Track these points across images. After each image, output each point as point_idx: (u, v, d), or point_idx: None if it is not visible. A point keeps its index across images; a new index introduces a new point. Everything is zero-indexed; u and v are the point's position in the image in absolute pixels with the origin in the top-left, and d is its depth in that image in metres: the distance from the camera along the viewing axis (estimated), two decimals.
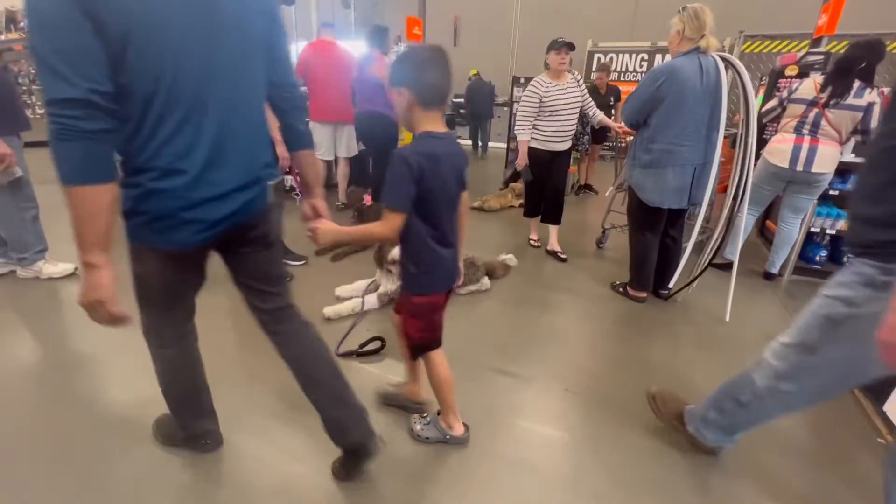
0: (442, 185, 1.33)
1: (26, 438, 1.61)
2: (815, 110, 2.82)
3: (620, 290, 2.95)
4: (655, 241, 2.73)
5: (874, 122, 2.73)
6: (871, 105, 2.72)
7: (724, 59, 2.40)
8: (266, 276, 1.34)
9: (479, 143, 9.23)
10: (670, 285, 2.83)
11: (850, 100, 2.73)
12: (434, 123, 1.33)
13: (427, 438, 1.66)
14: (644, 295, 2.85)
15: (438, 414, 1.68)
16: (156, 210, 1.05)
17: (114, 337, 2.23)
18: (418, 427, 1.68)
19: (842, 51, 2.87)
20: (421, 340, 1.52)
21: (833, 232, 3.14)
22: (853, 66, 2.70)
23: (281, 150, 2.57)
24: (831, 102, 2.77)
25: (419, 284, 1.44)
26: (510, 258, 3.29)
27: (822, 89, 2.80)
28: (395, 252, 2.51)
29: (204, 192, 1.07)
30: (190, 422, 1.52)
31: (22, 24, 7.93)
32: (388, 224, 1.29)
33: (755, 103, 2.45)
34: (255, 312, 1.37)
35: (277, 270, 1.39)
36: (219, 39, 1.03)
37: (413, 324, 1.49)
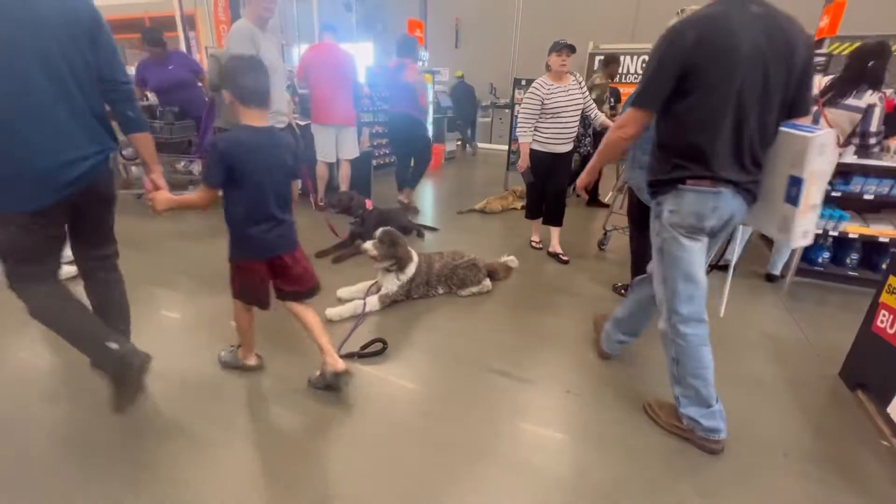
0: (253, 172, 1.59)
1: (46, 436, 1.61)
2: (814, 108, 2.82)
3: (622, 291, 2.94)
4: None
5: (875, 125, 2.71)
6: (871, 107, 2.70)
7: None
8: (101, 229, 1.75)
9: (468, 144, 9.60)
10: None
11: (850, 100, 2.72)
12: (254, 119, 1.62)
13: (225, 362, 2.03)
14: None
15: (240, 347, 2.00)
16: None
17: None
18: (222, 353, 2.06)
19: (846, 52, 2.88)
20: (240, 293, 1.80)
21: (836, 234, 3.13)
22: (864, 63, 2.69)
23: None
24: (827, 100, 2.77)
25: (232, 250, 1.73)
26: (511, 259, 3.29)
27: (829, 87, 2.79)
28: (365, 246, 2.58)
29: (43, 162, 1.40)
30: (101, 348, 1.59)
31: None
32: (201, 195, 1.61)
33: None
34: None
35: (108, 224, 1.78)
36: (31, 37, 1.32)
37: (234, 278, 1.78)
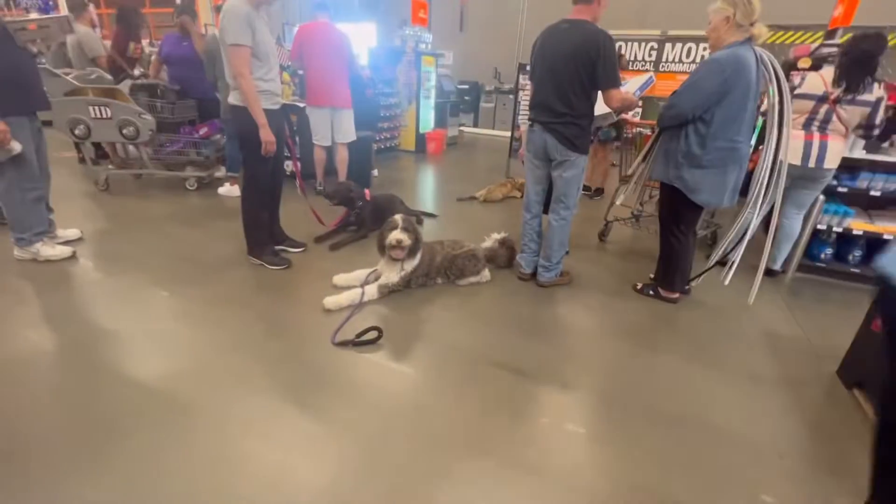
0: None
1: (56, 418, 1.61)
2: (826, 106, 2.78)
3: (651, 292, 2.83)
4: (695, 240, 2.69)
5: (879, 118, 2.72)
6: (879, 100, 2.70)
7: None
8: None
9: None
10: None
11: (863, 95, 2.69)
12: None
13: None
14: (678, 295, 2.78)
15: None
16: None
17: (124, 315, 2.23)
18: None
19: (845, 43, 2.83)
20: None
21: (840, 230, 3.09)
22: (870, 59, 2.64)
23: (265, 133, 2.55)
24: (845, 98, 2.72)
25: None
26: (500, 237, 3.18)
27: (837, 84, 2.73)
28: (395, 235, 2.49)
29: None
30: None
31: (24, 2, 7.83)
32: None
33: (789, 103, 2.39)
34: None
35: None
36: None
37: None
